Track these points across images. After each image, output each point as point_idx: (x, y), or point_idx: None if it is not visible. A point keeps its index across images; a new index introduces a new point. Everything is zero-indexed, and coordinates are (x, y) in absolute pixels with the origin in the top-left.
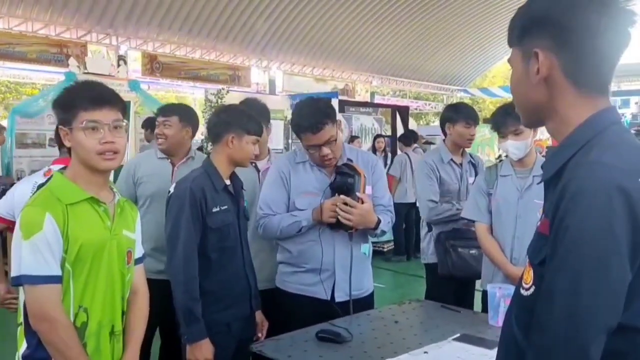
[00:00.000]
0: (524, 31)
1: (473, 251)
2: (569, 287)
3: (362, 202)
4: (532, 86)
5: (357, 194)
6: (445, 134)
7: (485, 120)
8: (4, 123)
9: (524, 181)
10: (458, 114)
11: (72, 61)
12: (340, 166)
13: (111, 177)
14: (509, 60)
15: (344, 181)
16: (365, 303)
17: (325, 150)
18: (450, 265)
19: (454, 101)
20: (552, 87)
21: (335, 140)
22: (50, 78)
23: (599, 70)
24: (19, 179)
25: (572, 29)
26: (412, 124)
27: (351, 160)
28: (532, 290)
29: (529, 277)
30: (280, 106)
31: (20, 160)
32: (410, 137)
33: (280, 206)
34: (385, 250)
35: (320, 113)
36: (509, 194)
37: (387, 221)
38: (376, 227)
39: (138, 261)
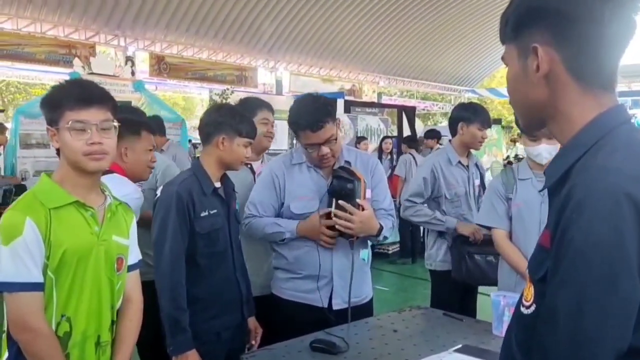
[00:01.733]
0: (519, 25)
1: (490, 258)
2: (573, 307)
3: (363, 209)
4: (531, 85)
5: (357, 200)
6: (454, 133)
7: (495, 121)
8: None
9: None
10: (476, 115)
11: (76, 61)
12: (338, 169)
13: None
14: (503, 58)
15: (342, 186)
16: (364, 310)
17: (325, 149)
18: (464, 272)
19: (462, 101)
20: (554, 85)
21: (336, 139)
22: (59, 79)
23: (604, 64)
24: (23, 179)
25: (573, 19)
26: (419, 125)
27: (349, 163)
28: (532, 308)
29: (529, 294)
30: (285, 107)
31: (24, 161)
32: (414, 139)
33: (268, 209)
34: (390, 252)
35: (320, 110)
36: (531, 198)
37: (389, 226)
38: (378, 234)
39: (132, 268)
